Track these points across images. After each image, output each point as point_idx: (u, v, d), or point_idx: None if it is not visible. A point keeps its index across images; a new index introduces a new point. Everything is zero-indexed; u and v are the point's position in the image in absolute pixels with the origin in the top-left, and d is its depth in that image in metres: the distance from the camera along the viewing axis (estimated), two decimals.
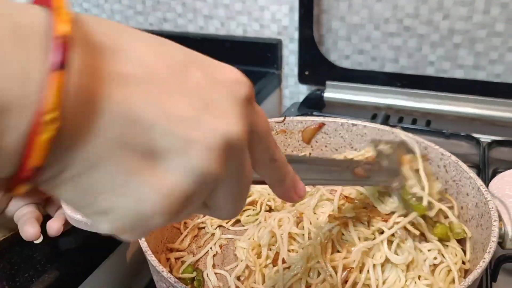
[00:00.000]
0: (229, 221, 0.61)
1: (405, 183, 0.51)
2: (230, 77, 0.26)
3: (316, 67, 1.05)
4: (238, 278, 0.52)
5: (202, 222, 0.61)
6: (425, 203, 0.49)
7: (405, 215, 0.50)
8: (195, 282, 0.52)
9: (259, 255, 0.52)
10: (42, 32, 0.19)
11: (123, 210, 0.22)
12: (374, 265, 0.48)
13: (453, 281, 0.48)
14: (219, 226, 0.61)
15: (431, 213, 0.50)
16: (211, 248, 0.58)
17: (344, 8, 1.00)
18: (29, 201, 0.54)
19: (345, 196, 0.53)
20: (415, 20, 0.95)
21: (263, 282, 0.49)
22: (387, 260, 0.48)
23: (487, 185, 0.53)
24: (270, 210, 0.61)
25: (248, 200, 0.62)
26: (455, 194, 0.56)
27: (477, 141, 0.86)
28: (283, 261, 0.49)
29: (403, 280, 0.47)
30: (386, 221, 0.50)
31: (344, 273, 0.46)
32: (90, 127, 0.20)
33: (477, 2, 0.89)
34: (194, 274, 0.53)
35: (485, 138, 0.87)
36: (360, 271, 0.47)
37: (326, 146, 0.67)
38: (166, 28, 1.23)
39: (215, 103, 0.24)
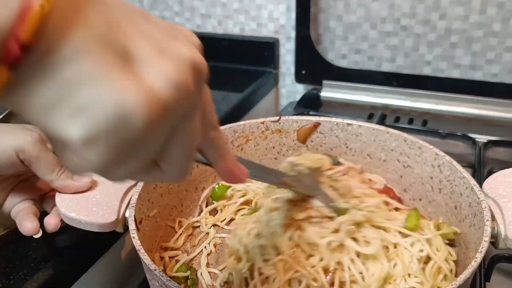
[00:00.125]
0: (223, 220, 0.61)
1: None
2: (187, 31, 0.28)
3: (313, 66, 1.05)
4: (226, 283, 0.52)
5: (197, 221, 0.61)
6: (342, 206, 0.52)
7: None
8: (188, 281, 0.52)
9: (239, 260, 0.52)
10: None
11: (101, 106, 0.21)
12: (352, 260, 0.48)
13: (444, 278, 0.48)
14: (214, 225, 0.61)
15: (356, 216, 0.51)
16: (205, 247, 0.58)
17: (341, 7, 1.00)
18: (25, 197, 0.54)
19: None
20: (412, 19, 0.95)
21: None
22: (364, 256, 0.48)
23: (482, 185, 0.54)
24: None
25: (243, 199, 0.62)
26: (449, 194, 0.56)
27: (473, 141, 0.86)
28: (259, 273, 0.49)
29: (386, 265, 0.48)
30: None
31: (329, 276, 0.46)
32: (80, 15, 0.21)
33: (473, 2, 0.89)
34: (188, 273, 0.53)
35: (482, 138, 0.87)
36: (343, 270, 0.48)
37: (321, 146, 0.67)
38: None
39: (179, 38, 0.26)
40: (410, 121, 0.97)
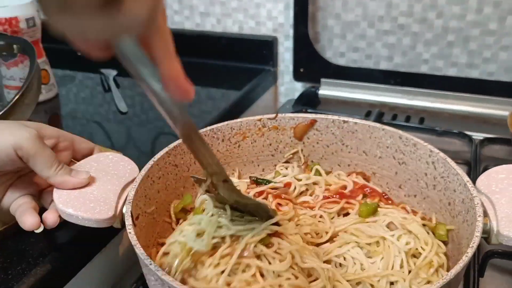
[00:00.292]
0: None
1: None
2: None
3: (311, 64, 1.06)
4: None
5: None
6: None
7: None
8: None
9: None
10: None
11: None
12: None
13: (436, 273, 0.49)
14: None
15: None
16: None
17: (339, 5, 1.00)
18: (24, 192, 0.55)
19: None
20: (409, 18, 0.95)
21: None
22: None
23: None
24: None
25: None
26: (443, 190, 0.57)
27: (470, 138, 0.87)
28: None
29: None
30: None
31: None
32: None
33: (470, 1, 0.90)
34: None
35: (478, 136, 0.88)
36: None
37: (317, 143, 0.68)
38: None
39: None
40: (407, 119, 0.97)
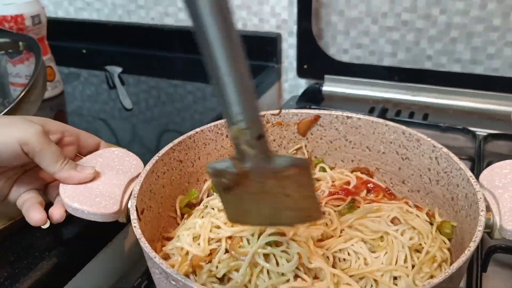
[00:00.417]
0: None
1: None
2: None
3: (315, 61, 1.06)
4: None
5: None
6: None
7: None
8: None
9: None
10: None
11: None
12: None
13: (439, 268, 0.49)
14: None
15: None
16: None
17: (342, 2, 1.00)
18: (30, 187, 0.55)
19: None
20: (413, 14, 0.95)
21: None
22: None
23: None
24: None
25: None
26: (446, 186, 0.57)
27: (474, 134, 0.87)
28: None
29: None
30: None
31: None
32: None
33: None
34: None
35: (482, 132, 0.88)
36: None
37: (321, 139, 0.68)
38: (168, 22, 1.24)
39: None
40: (411, 115, 0.97)
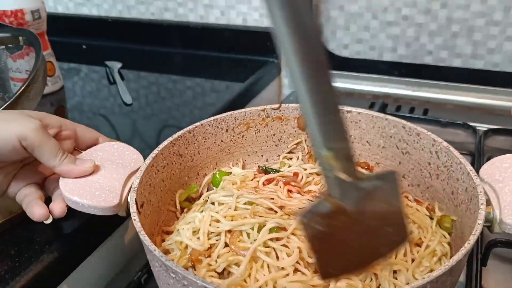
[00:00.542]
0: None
1: None
2: None
3: None
4: None
5: None
6: None
7: None
8: None
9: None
10: None
11: None
12: None
13: (439, 262, 0.49)
14: None
15: None
16: None
17: None
18: (29, 181, 0.55)
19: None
20: (413, 9, 0.95)
21: None
22: None
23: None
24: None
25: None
26: (447, 180, 0.57)
27: (474, 129, 0.87)
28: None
29: None
30: None
31: None
32: None
33: None
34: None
35: (482, 127, 0.88)
36: None
37: None
38: (167, 17, 1.24)
39: None
40: (411, 110, 0.97)
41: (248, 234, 0.50)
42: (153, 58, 1.23)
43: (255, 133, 0.68)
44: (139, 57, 1.25)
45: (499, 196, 0.50)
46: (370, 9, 0.99)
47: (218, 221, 0.52)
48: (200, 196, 0.62)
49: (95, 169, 0.54)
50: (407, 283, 0.47)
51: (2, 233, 0.57)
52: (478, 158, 0.78)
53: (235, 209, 0.53)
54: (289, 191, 0.59)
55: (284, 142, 0.69)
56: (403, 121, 0.62)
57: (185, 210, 0.60)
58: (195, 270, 0.49)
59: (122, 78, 1.08)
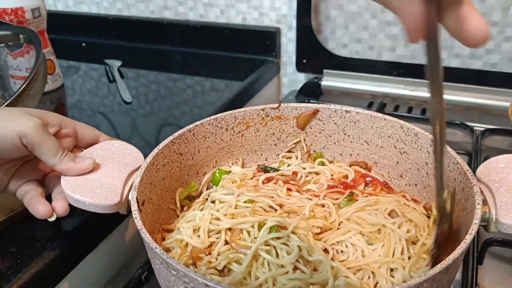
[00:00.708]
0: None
1: None
2: None
3: (314, 55, 1.06)
4: None
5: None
6: None
7: None
8: None
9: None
10: None
11: None
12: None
13: None
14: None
15: None
16: None
17: None
18: (29, 178, 0.56)
19: None
20: None
21: None
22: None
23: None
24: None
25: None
26: None
27: (471, 129, 0.87)
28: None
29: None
30: None
31: None
32: None
33: None
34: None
35: (479, 127, 0.88)
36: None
37: (320, 132, 0.69)
38: (167, 15, 1.24)
39: None
40: (409, 110, 0.98)
41: (248, 232, 0.50)
42: (153, 56, 1.24)
43: (255, 132, 0.68)
44: (138, 55, 1.25)
45: (495, 196, 0.51)
46: (369, 9, 1.00)
47: (218, 219, 0.52)
48: (200, 194, 0.63)
49: (96, 167, 0.54)
50: (404, 281, 0.47)
51: (3, 230, 0.57)
52: (475, 158, 0.79)
53: (236, 207, 0.54)
54: (289, 189, 0.60)
55: (283, 141, 0.70)
56: (401, 121, 0.62)
57: (185, 208, 0.60)
58: (195, 267, 0.50)
59: (121, 76, 1.08)
